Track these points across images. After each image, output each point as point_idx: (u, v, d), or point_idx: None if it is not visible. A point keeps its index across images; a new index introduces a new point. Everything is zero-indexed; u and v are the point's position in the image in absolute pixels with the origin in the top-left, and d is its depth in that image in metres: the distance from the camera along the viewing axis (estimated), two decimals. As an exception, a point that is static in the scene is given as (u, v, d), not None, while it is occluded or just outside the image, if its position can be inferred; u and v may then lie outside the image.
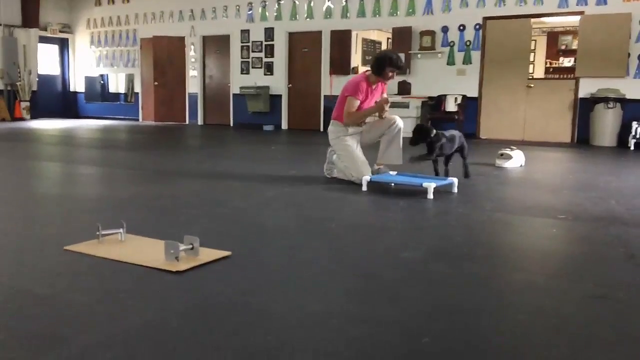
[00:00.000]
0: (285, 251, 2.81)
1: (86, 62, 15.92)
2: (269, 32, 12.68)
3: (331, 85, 11.95)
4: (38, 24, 14.87)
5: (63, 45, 16.06)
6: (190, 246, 2.52)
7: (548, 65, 13.21)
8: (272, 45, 12.65)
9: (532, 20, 10.24)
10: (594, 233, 3.32)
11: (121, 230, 2.82)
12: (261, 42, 12.81)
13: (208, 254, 2.55)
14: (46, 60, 15.75)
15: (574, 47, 11.35)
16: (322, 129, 12.17)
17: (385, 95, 5.11)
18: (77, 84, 16.24)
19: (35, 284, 2.25)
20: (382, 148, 5.12)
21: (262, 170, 5.67)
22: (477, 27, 10.44)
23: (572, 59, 11.62)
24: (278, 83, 12.72)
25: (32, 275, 2.38)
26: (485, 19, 10.38)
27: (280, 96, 12.73)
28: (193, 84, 14.15)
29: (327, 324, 1.90)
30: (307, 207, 3.98)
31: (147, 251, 2.63)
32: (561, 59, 13.11)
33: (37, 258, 2.62)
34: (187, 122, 14.32)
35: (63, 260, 2.56)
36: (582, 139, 9.74)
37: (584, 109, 9.67)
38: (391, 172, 4.86)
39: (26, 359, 1.62)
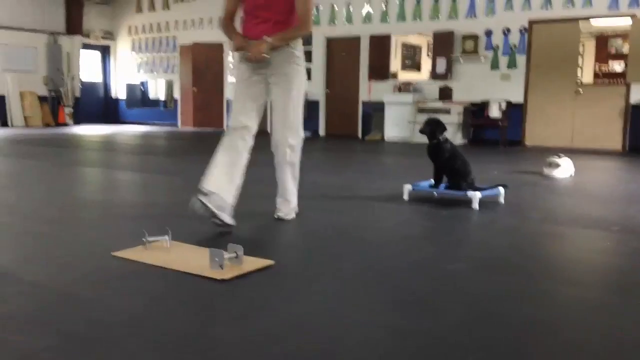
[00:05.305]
0: (327, 260, 2.77)
1: (127, 68, 16.15)
2: (307, 38, 12.59)
3: (370, 91, 11.80)
4: (81, 32, 15.17)
5: (105, 52, 16.34)
6: (235, 254, 2.52)
7: (597, 70, 12.77)
8: (310, 51, 12.57)
9: (580, 23, 9.89)
10: (650, 247, 3.14)
11: (166, 237, 2.83)
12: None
13: (251, 263, 2.55)
14: (89, 67, 16.04)
15: (625, 51, 10.94)
16: (360, 136, 12.03)
17: (267, 39, 3.20)
18: (119, 90, 16.48)
19: (84, 289, 2.27)
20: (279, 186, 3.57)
21: (300, 178, 5.55)
22: (523, 30, 10.13)
23: (623, 63, 11.21)
24: (316, 89, 12.62)
25: (81, 280, 2.40)
26: (531, 22, 10.07)
27: (317, 102, 12.63)
28: (231, 90, 14.15)
29: (370, 335, 1.86)
30: (348, 215, 3.88)
31: (192, 258, 2.64)
32: (611, 63, 12.65)
33: (85, 263, 2.65)
34: (224, 127, 14.35)
35: (111, 265, 2.59)
36: (633, 147, 9.33)
37: (636, 115, 9.28)
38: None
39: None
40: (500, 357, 1.72)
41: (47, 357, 1.65)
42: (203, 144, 10.43)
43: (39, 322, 1.91)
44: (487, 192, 4.23)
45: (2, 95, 13.77)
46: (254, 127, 3.34)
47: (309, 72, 12.65)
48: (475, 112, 10.32)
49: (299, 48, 3.39)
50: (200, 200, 3.02)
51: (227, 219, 3.13)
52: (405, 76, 12.14)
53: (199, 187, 3.11)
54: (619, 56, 12.31)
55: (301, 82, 3.40)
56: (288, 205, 3.55)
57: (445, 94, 10.72)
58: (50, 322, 1.91)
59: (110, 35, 16.18)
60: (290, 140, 3.36)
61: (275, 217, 3.52)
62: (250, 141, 3.32)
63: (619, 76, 11.19)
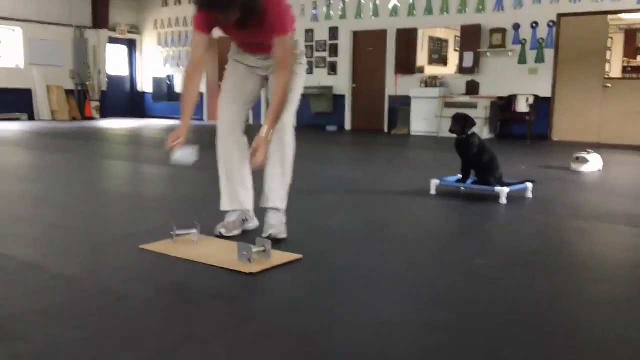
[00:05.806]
0: (355, 255, 2.76)
1: (153, 62, 16.28)
2: (334, 32, 12.56)
3: (396, 85, 11.74)
4: (107, 26, 15.31)
5: (131, 46, 16.48)
6: (262, 248, 2.53)
7: (625, 64, 12.55)
8: (337, 44, 12.53)
9: (609, 17, 9.71)
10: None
11: (195, 230, 2.84)
12: (325, 41, 12.71)
13: (279, 257, 2.56)
14: (115, 61, 16.19)
15: (655, 45, 10.72)
16: (386, 130, 11.98)
17: (263, 136, 2.70)
18: (145, 84, 16.63)
19: (113, 283, 2.28)
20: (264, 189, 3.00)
21: (327, 172, 5.55)
22: (551, 24, 9.98)
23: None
24: (342, 83, 12.59)
25: (109, 273, 2.42)
26: (560, 15, 9.91)
27: (343, 96, 12.60)
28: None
29: (403, 330, 1.86)
30: (375, 210, 3.87)
31: (220, 252, 2.65)
32: (639, 57, 12.42)
33: (114, 256, 2.68)
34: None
35: (139, 259, 2.60)
36: (664, 142, 9.14)
37: (667, 110, 9.08)
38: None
39: (106, 357, 1.63)
40: (531, 353, 1.70)
41: (76, 350, 1.66)
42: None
43: (68, 315, 1.93)
44: (515, 188, 4.19)
45: (29, 89, 13.98)
46: (244, 121, 3.15)
47: (334, 66, 12.64)
48: (503, 106, 10.21)
49: (300, 51, 3.05)
50: (225, 236, 2.92)
51: (253, 225, 3.11)
52: (432, 70, 12.04)
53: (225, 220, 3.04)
54: (649, 50, 12.09)
55: (302, 78, 3.04)
56: (278, 216, 2.98)
57: (472, 88, 10.62)
58: (79, 315, 1.92)
59: (136, 29, 16.32)
60: (286, 116, 2.86)
61: (265, 236, 2.81)
62: (244, 138, 3.11)
63: (649, 70, 10.97)
